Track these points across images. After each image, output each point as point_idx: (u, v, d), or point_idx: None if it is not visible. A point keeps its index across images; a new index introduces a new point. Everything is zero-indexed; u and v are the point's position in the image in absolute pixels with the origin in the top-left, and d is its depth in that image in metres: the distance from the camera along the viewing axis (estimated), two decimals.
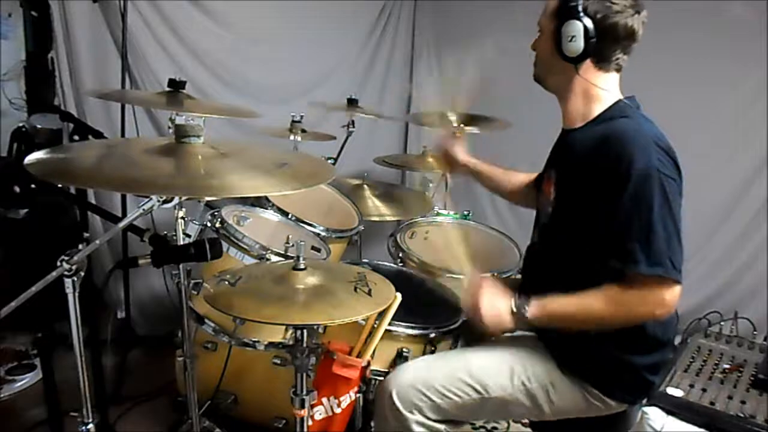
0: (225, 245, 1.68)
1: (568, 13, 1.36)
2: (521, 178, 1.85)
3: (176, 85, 1.79)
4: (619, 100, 1.43)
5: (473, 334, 1.66)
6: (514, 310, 1.41)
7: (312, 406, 1.46)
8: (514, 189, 1.85)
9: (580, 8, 1.34)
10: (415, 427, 1.43)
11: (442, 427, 1.46)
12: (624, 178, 1.27)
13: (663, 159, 1.30)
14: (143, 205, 1.31)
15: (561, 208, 1.47)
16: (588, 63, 1.40)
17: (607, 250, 1.31)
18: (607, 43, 1.37)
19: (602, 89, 1.42)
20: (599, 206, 1.32)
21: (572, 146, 1.45)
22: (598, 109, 1.42)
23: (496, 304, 1.43)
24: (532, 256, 1.62)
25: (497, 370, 1.46)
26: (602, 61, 1.40)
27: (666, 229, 1.27)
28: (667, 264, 1.26)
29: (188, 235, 1.58)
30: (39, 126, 2.18)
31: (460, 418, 1.50)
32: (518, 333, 1.54)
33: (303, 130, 2.54)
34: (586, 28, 1.34)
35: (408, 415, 1.43)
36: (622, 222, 1.29)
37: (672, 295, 1.28)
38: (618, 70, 1.44)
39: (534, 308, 1.40)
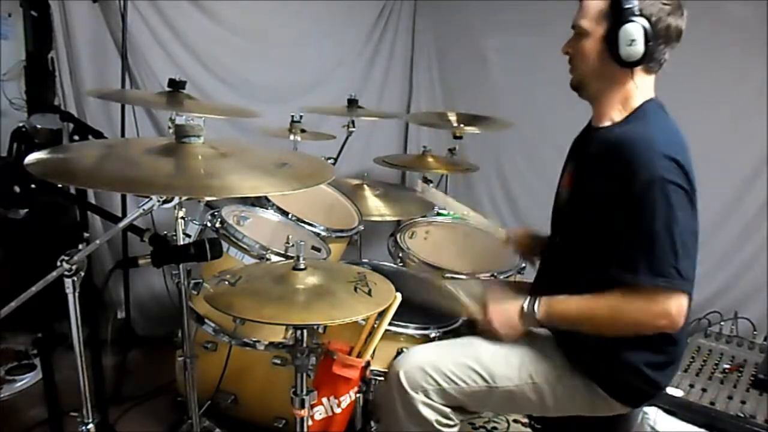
0: (225, 245, 1.68)
1: (624, 15, 1.29)
2: None
3: (176, 85, 1.79)
4: (645, 102, 1.38)
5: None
6: (526, 310, 1.41)
7: (312, 406, 1.46)
8: None
9: (636, 10, 1.28)
10: (421, 407, 1.43)
11: (448, 409, 1.45)
12: (627, 187, 1.24)
13: (669, 167, 1.24)
14: (143, 205, 1.31)
15: (575, 201, 1.45)
16: (640, 66, 1.34)
17: (609, 259, 1.28)
18: (660, 45, 1.33)
19: (640, 91, 1.38)
20: (606, 210, 1.30)
21: (593, 143, 1.42)
22: (627, 111, 1.38)
23: (505, 309, 1.44)
24: (550, 248, 1.61)
25: (506, 361, 1.45)
26: (651, 63, 1.36)
27: (671, 237, 1.22)
28: (671, 273, 1.21)
29: (188, 235, 1.59)
30: (39, 126, 2.17)
31: (465, 406, 1.49)
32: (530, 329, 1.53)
33: (303, 130, 2.55)
34: (645, 30, 1.28)
35: (414, 395, 1.43)
36: (624, 231, 1.26)
37: (678, 306, 1.23)
38: (658, 71, 1.40)
39: (543, 309, 1.39)
